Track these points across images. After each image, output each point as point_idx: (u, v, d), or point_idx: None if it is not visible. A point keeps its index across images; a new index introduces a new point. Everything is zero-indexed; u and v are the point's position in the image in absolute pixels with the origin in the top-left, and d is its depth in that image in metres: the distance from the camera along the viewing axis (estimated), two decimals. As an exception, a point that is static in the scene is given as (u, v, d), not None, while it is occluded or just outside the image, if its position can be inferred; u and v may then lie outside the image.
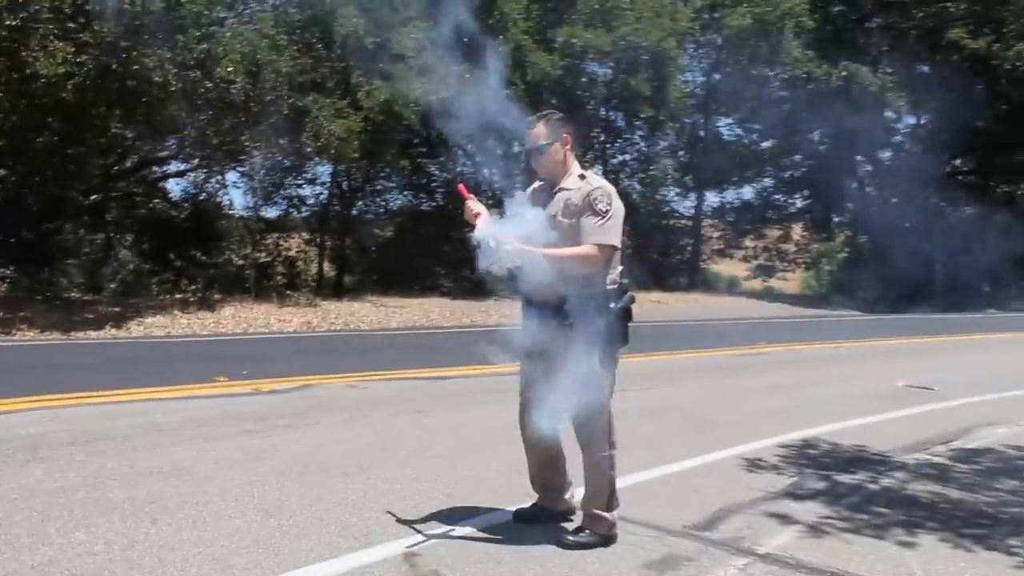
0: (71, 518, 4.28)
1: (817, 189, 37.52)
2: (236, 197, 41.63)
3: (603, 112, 27.66)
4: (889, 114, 35.00)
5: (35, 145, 17.41)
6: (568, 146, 4.25)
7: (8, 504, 4.45)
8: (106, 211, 22.83)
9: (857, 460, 6.21)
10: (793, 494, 5.23)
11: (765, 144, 35.96)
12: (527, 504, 4.57)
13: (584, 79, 25.55)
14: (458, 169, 28.42)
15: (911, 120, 37.16)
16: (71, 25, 14.08)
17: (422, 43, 20.47)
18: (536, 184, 4.47)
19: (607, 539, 4.19)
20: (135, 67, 14.41)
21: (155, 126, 18.12)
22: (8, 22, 13.61)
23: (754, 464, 5.97)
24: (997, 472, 6.07)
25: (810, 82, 30.80)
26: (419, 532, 4.24)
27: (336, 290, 23.91)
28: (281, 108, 17.49)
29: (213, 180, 24.60)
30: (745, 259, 39.94)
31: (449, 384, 9.48)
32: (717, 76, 32.61)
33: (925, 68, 34.52)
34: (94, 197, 21.40)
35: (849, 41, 32.83)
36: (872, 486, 5.51)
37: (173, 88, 14.99)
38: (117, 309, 16.09)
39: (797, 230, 40.33)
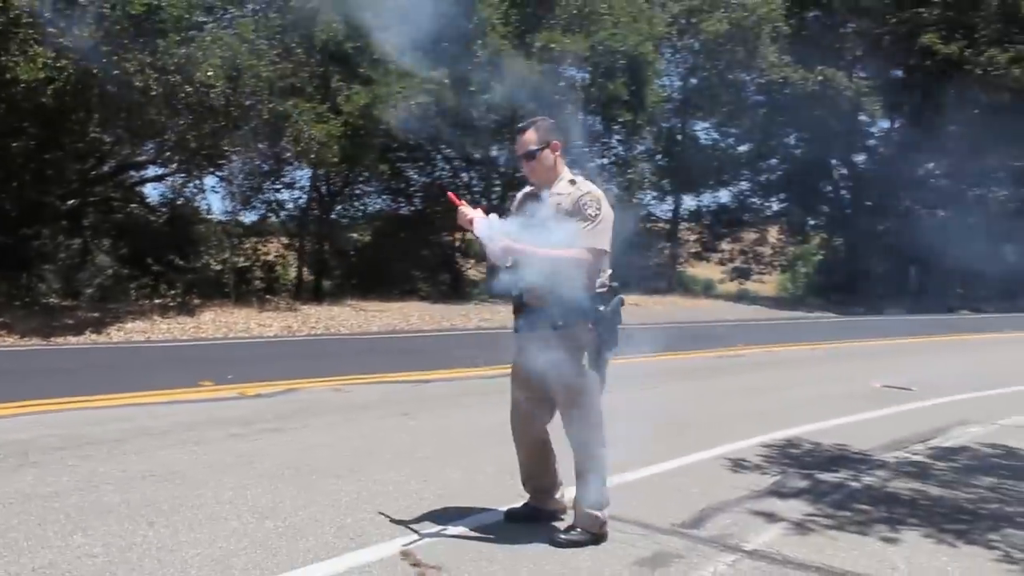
0: (68, 521, 4.32)
1: (793, 192, 37.90)
2: (214, 202, 41.56)
3: (581, 117, 27.75)
4: (863, 118, 35.40)
5: (13, 150, 17.34)
6: (558, 152, 4.34)
7: (4, 508, 4.49)
8: (83, 216, 22.70)
9: (838, 459, 6.33)
10: (777, 492, 5.34)
11: (742, 148, 36.29)
12: (518, 504, 4.65)
13: (562, 83, 25.63)
14: (436, 173, 28.54)
15: (885, 124, 37.61)
16: (51, 30, 14.03)
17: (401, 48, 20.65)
18: (526, 189, 4.56)
19: (598, 537, 4.28)
20: (116, 72, 14.36)
21: (135, 131, 18.06)
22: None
23: (737, 464, 6.08)
24: (974, 469, 6.20)
25: (786, 87, 31.08)
26: (413, 532, 4.31)
27: (315, 294, 23.90)
28: (261, 113, 17.50)
29: (191, 185, 24.51)
30: (721, 262, 40.23)
31: (432, 387, 9.54)
32: (694, 80, 32.85)
33: (899, 73, 34.96)
34: (72, 202, 21.26)
35: (824, 46, 33.16)
36: (854, 484, 5.63)
37: (154, 93, 14.96)
38: (96, 314, 16.03)
39: (773, 233, 40.69)
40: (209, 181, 24.47)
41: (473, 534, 4.35)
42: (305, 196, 25.94)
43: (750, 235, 40.09)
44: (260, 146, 20.26)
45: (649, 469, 5.77)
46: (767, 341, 16.27)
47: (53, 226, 20.85)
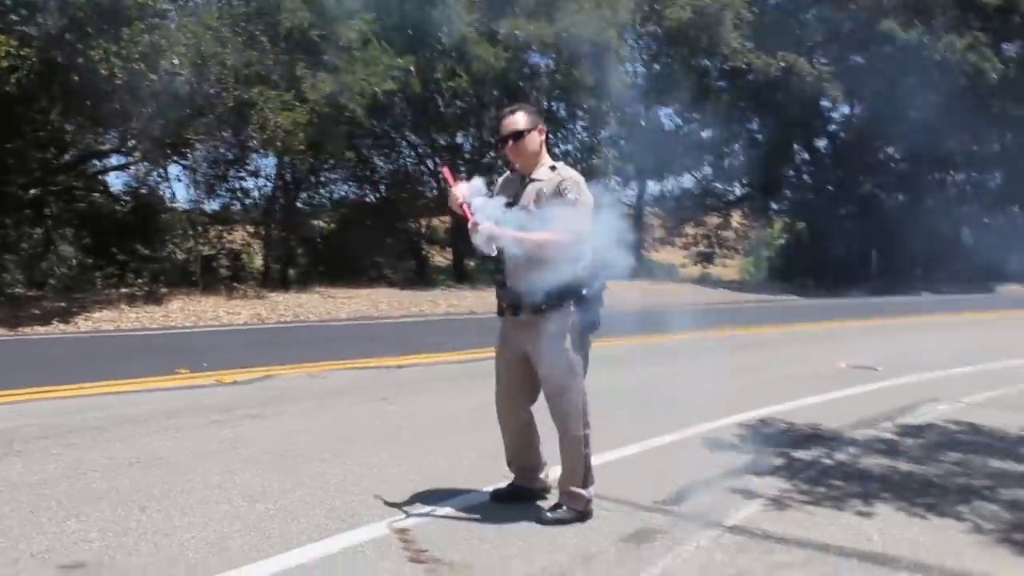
0: (60, 508, 4.37)
1: (755, 177, 38.25)
2: (178, 190, 41.19)
3: (546, 103, 27.82)
4: (825, 103, 35.79)
5: (-27, 139, 17.16)
6: (543, 136, 4.43)
7: (-5, 496, 4.53)
8: (45, 205, 22.45)
9: (811, 437, 6.49)
10: (753, 470, 5.48)
11: (705, 133, 36.54)
12: (503, 484, 4.74)
13: (527, 71, 25.72)
14: (402, 160, 28.52)
15: (846, 109, 38.04)
16: (13, 18, 13.87)
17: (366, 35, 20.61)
18: (507, 174, 4.64)
19: (583, 515, 4.38)
20: (80, 60, 14.22)
21: (99, 120, 17.90)
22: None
23: (713, 443, 6.22)
24: (941, 445, 6.39)
25: (749, 73, 31.33)
26: (403, 513, 4.40)
27: (282, 282, 23.83)
28: (226, 100, 17.41)
29: (155, 173, 24.31)
30: (685, 246, 40.55)
31: (406, 372, 9.61)
32: (657, 67, 33.01)
33: (859, 59, 35.38)
34: (34, 191, 21.01)
35: (786, 32, 33.48)
36: (827, 461, 5.79)
37: (119, 81, 14.82)
38: (63, 304, 15.92)
39: (736, 217, 41.08)
40: (173, 170, 24.31)
41: (461, 514, 4.44)
42: (270, 184, 25.83)
43: (713, 220, 40.44)
44: (224, 134, 20.16)
45: (629, 449, 5.89)
46: (733, 324, 16.48)
47: (15, 215, 20.61)
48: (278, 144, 18.59)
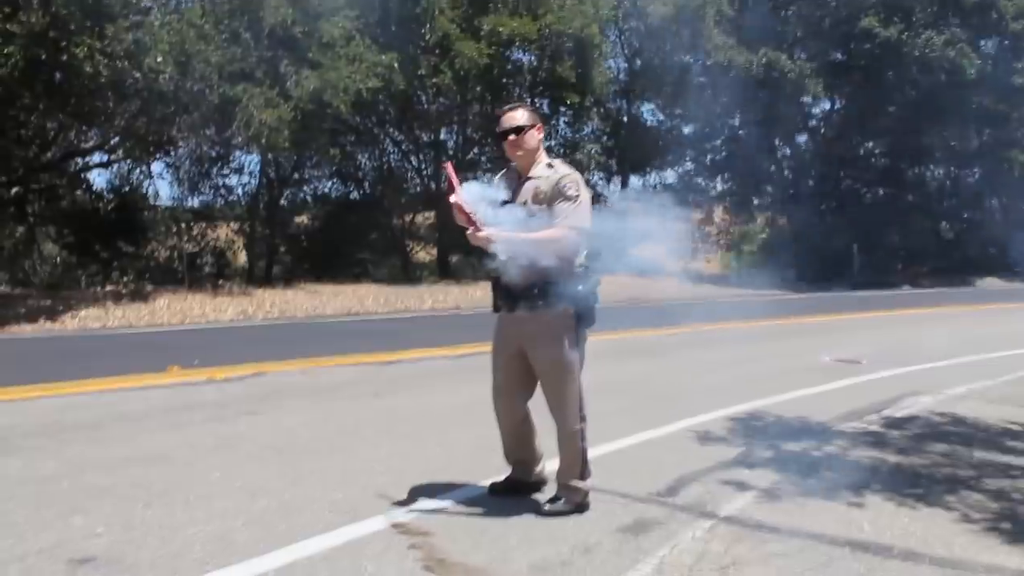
0: (63, 505, 4.41)
1: (737, 173, 38.42)
2: (162, 188, 41.04)
3: (529, 99, 27.90)
4: (806, 99, 35.99)
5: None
6: (541, 134, 4.49)
7: (-2, 493, 4.57)
8: (27, 203, 22.36)
9: (800, 430, 6.60)
10: (745, 462, 5.58)
11: (687, 129, 36.66)
12: (500, 478, 4.82)
13: (510, 67, 25.77)
14: (386, 157, 28.54)
15: (826, 105, 38.26)
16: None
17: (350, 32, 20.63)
18: (503, 172, 4.68)
19: (581, 507, 4.47)
20: (64, 57, 14.20)
21: (83, 117, 17.85)
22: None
23: (704, 436, 6.32)
24: (927, 437, 6.51)
25: (730, 69, 31.46)
26: (405, 506, 4.47)
27: (267, 279, 23.82)
28: (210, 97, 17.40)
29: (138, 171, 24.28)
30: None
31: (396, 368, 9.68)
32: (639, 62, 33.11)
33: (840, 55, 35.61)
34: (16, 189, 20.94)
35: (767, 28, 33.63)
36: (816, 453, 5.90)
37: (103, 79, 14.80)
38: (49, 302, 15.89)
39: (718, 213, 41.22)
40: (156, 167, 24.27)
41: (461, 507, 4.52)
42: (254, 181, 25.81)
43: (695, 215, 40.57)
44: (208, 131, 20.13)
45: (622, 442, 5.98)
46: (717, 318, 16.56)
47: (-1, 214, 20.58)
48: (263, 141, 18.56)
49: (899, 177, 38.12)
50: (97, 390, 7.62)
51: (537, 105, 28.31)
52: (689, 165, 38.88)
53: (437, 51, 22.80)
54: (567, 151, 29.27)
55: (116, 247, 22.76)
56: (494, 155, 28.28)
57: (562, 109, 28.33)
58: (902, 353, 11.42)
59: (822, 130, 38.95)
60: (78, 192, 23.94)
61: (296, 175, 26.49)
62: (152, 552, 3.80)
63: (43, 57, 14.29)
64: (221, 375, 8.57)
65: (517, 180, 4.48)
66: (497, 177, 4.69)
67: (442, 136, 27.78)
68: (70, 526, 4.10)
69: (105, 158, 23.08)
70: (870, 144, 39.29)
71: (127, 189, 24.29)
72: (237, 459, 5.36)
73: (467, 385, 7.97)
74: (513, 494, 4.69)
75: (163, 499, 4.53)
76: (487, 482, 4.84)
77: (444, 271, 26.37)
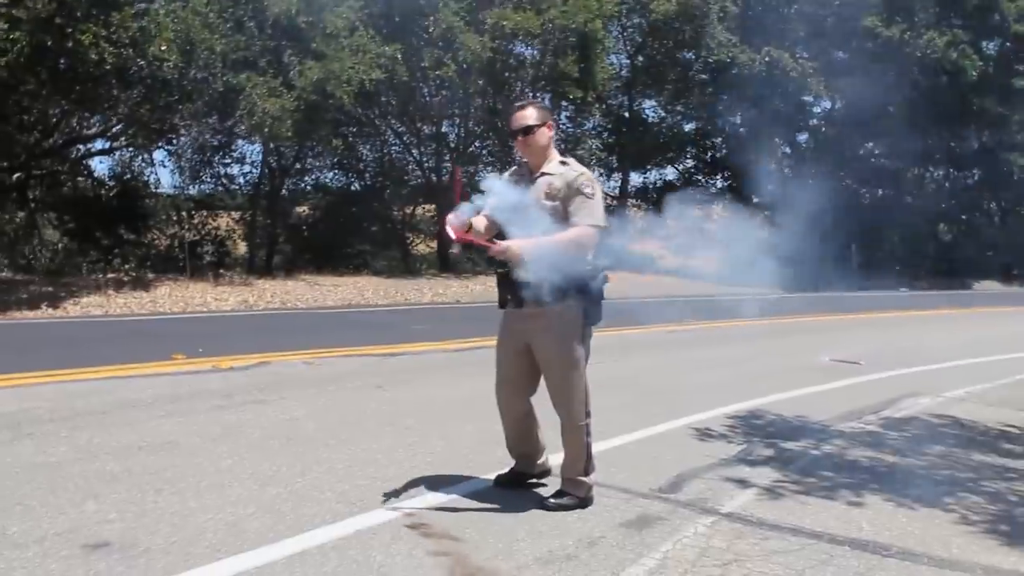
0: (77, 490, 4.48)
1: (737, 170, 38.47)
2: (164, 176, 41.05)
3: (531, 94, 27.93)
4: (807, 98, 36.04)
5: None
6: (552, 132, 4.53)
7: (13, 477, 4.63)
8: (29, 189, 22.41)
9: (799, 429, 6.69)
10: (745, 460, 5.66)
11: (688, 126, 36.77)
12: (504, 470, 4.88)
13: (512, 61, 25.77)
14: (387, 149, 28.56)
15: (827, 104, 38.30)
16: (3, 1, 13.85)
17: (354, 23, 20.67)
18: (514, 168, 4.74)
19: (585, 501, 4.55)
20: (70, 44, 14.22)
21: (87, 104, 17.88)
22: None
23: (704, 433, 6.40)
24: (924, 439, 6.60)
25: (733, 66, 31.52)
26: (411, 498, 4.54)
27: (267, 269, 23.88)
28: (214, 85, 17.44)
29: (140, 158, 24.33)
30: (667, 238, 40.71)
31: (399, 360, 9.73)
32: (641, 59, 33.15)
33: (841, 54, 35.65)
34: (18, 175, 20.98)
35: (770, 27, 33.68)
36: (815, 452, 5.99)
37: (108, 66, 14.84)
38: (50, 289, 15.94)
39: (717, 210, 41.26)
40: (158, 155, 24.30)
41: (468, 498, 4.59)
42: (256, 171, 25.85)
43: (695, 212, 40.63)
44: (210, 120, 20.18)
45: (623, 438, 6.06)
46: (715, 316, 16.65)
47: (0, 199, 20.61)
48: (265, 130, 18.61)
49: (899, 178, 38.20)
50: (103, 377, 7.67)
51: (539, 99, 28.37)
52: (689, 162, 39.00)
53: (440, 43, 22.80)
54: (568, 146, 29.32)
55: (117, 234, 22.82)
56: (495, 148, 28.35)
57: (564, 104, 28.34)
58: (900, 354, 11.52)
59: (822, 129, 39.00)
60: (79, 179, 24.00)
61: (298, 165, 26.51)
62: (165, 538, 3.87)
63: (49, 43, 14.31)
64: (226, 364, 8.62)
65: (528, 176, 4.52)
66: (507, 174, 4.73)
67: (444, 129, 27.79)
68: (84, 511, 4.17)
69: (107, 145, 23.11)
70: (870, 144, 39.35)
71: (129, 176, 24.34)
72: (245, 448, 5.43)
73: (468, 379, 8.05)
74: (517, 486, 4.77)
75: (174, 486, 4.60)
76: (491, 475, 4.91)
77: (444, 264, 26.41)
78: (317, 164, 27.60)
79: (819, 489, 5.06)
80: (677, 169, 38.98)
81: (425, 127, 27.71)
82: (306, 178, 28.08)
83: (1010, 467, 5.89)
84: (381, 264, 27.61)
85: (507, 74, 25.71)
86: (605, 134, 33.65)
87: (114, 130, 21.46)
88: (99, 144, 23.19)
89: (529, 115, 4.46)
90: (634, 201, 38.48)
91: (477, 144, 28.34)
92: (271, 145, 22.79)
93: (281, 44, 19.60)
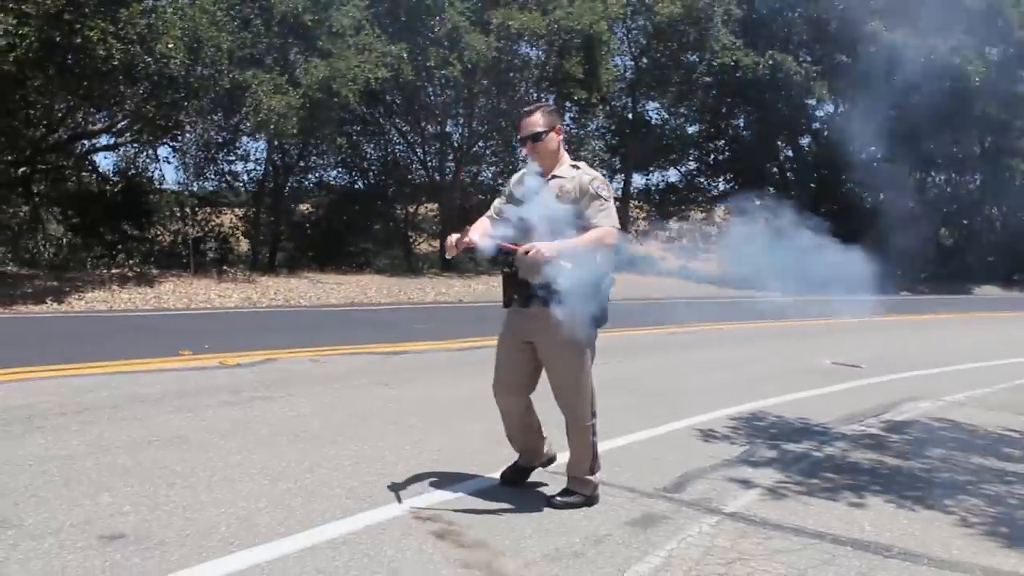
0: (90, 483, 4.54)
1: (740, 173, 38.58)
2: (168, 172, 41.12)
3: (535, 94, 27.98)
4: (810, 102, 36.09)
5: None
6: (561, 136, 4.58)
7: (26, 470, 4.69)
8: (33, 184, 22.47)
9: (801, 431, 6.77)
10: (748, 461, 5.73)
11: (691, 128, 36.82)
12: (510, 465, 4.93)
13: (517, 61, 25.82)
14: (391, 148, 28.61)
15: (830, 108, 38.34)
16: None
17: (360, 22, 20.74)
18: (524, 171, 4.75)
19: (591, 500, 4.62)
20: (78, 40, 14.29)
21: (93, 100, 17.95)
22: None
23: (707, 434, 6.47)
24: (925, 442, 6.67)
25: (737, 69, 31.58)
26: (419, 495, 4.61)
27: (270, 266, 23.93)
28: (222, 82, 17.51)
29: (144, 154, 24.39)
30: (669, 239, 40.79)
31: (403, 359, 9.80)
32: (645, 61, 33.18)
33: (844, 58, 35.68)
34: (23, 170, 21.04)
35: (774, 30, 33.78)
36: (817, 454, 6.06)
37: (115, 62, 14.90)
38: (55, 283, 16.00)
39: (719, 212, 41.33)
40: (162, 152, 24.37)
41: (475, 496, 4.66)
42: (260, 168, 25.88)
43: (697, 214, 40.72)
44: (215, 117, 20.24)
45: (627, 438, 6.13)
46: (717, 319, 16.74)
47: (3, 193, 20.64)
48: (271, 127, 18.66)
49: (900, 182, 38.24)
50: (110, 372, 7.73)
51: (544, 99, 28.43)
52: (692, 164, 39.08)
53: (446, 43, 22.85)
54: (572, 147, 29.39)
55: (121, 230, 22.88)
56: (499, 149, 28.42)
57: (568, 105, 28.39)
58: (901, 358, 11.59)
59: (825, 132, 39.06)
60: (84, 174, 24.05)
61: (302, 163, 26.55)
62: (179, 530, 3.93)
63: (57, 39, 14.37)
64: (232, 360, 8.69)
65: (539, 179, 4.55)
66: (515, 178, 4.76)
67: (448, 128, 27.83)
68: (98, 503, 4.23)
69: (112, 141, 23.18)
70: (872, 148, 39.41)
71: (133, 172, 24.40)
72: (253, 443, 5.49)
73: (471, 378, 8.10)
74: (523, 481, 4.83)
75: (185, 480, 4.66)
76: (497, 474, 4.97)
77: (446, 263, 26.46)
78: (321, 162, 27.62)
79: (821, 490, 5.13)
80: (679, 171, 39.07)
81: (429, 126, 27.75)
82: (309, 176, 28.11)
83: (1009, 470, 5.96)
84: (383, 263, 27.65)
85: (512, 74, 25.77)
86: (608, 135, 33.69)
87: (119, 126, 21.51)
88: (104, 140, 23.25)
89: (536, 121, 4.49)
90: (636, 203, 38.56)
91: (481, 144, 28.39)
92: (275, 143, 22.83)
93: (287, 42, 19.65)
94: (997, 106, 34.88)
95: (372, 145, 28.19)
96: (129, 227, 23.11)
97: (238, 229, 26.03)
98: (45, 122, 20.81)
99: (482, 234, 4.48)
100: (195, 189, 25.28)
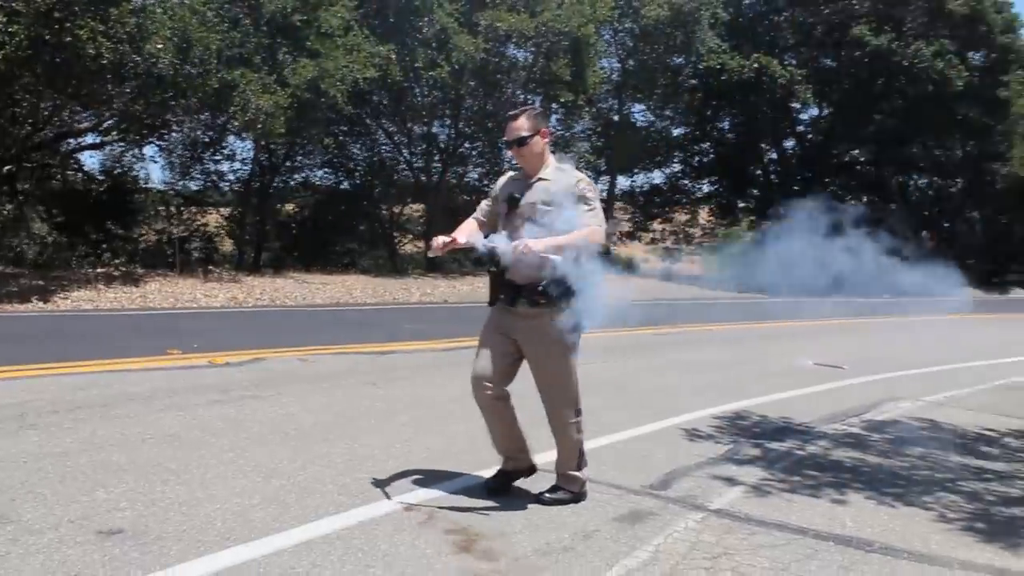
0: (86, 480, 4.60)
1: (724, 175, 38.82)
2: (154, 171, 41.03)
3: (522, 96, 28.05)
4: (794, 105, 36.35)
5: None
6: (547, 139, 4.63)
7: (21, 467, 4.75)
8: (17, 181, 22.42)
9: (784, 430, 6.88)
10: (733, 459, 5.84)
11: (676, 131, 37.03)
12: (494, 471, 4.91)
13: (504, 63, 25.90)
14: (377, 148, 28.65)
15: (814, 111, 38.62)
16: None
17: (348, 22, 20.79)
18: (510, 173, 4.83)
19: (578, 496, 4.71)
20: (68, 39, 14.30)
21: (81, 99, 17.93)
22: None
23: (692, 433, 6.57)
24: (905, 441, 6.79)
25: (723, 72, 31.76)
26: (410, 491, 4.69)
27: (256, 266, 23.95)
28: (210, 82, 17.51)
29: (130, 154, 24.37)
30: (653, 241, 40.99)
31: (391, 359, 9.87)
32: (632, 63, 33.33)
33: (829, 62, 35.99)
34: (8, 168, 20.99)
35: (760, 34, 34.02)
36: (800, 452, 6.17)
37: (104, 61, 14.91)
38: (40, 282, 15.98)
39: (703, 214, 41.59)
40: (148, 151, 24.36)
41: (465, 493, 4.74)
42: (246, 168, 25.89)
43: (681, 216, 40.93)
44: (203, 116, 20.25)
45: (612, 437, 6.22)
46: (701, 320, 16.89)
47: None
48: (259, 127, 18.68)
49: (883, 185, 38.59)
50: (100, 370, 7.76)
51: (530, 101, 28.54)
52: (676, 166, 39.28)
53: (434, 44, 22.94)
54: (557, 149, 29.42)
55: (106, 229, 22.87)
56: (484, 150, 28.51)
57: (554, 107, 28.50)
58: (882, 359, 11.73)
59: (809, 135, 39.36)
60: (69, 172, 24.01)
61: (288, 163, 26.57)
62: (176, 526, 4.00)
63: (47, 37, 14.37)
64: (221, 359, 8.75)
65: (525, 180, 4.62)
66: (502, 180, 4.81)
67: (434, 129, 27.91)
68: (95, 500, 4.30)
69: (98, 139, 23.15)
70: (856, 152, 39.74)
71: (118, 171, 24.37)
72: (245, 441, 5.56)
73: (458, 379, 8.05)
74: (508, 489, 4.80)
75: (180, 477, 4.73)
76: (485, 471, 5.02)
77: (431, 264, 26.53)
78: (307, 162, 27.66)
79: (804, 487, 5.24)
80: (664, 173, 39.26)
81: (416, 127, 27.82)
82: (295, 176, 28.13)
83: (987, 468, 6.08)
84: (368, 263, 27.72)
85: (499, 76, 25.87)
86: (594, 137, 33.83)
87: (106, 125, 21.49)
88: (90, 138, 23.23)
89: (521, 125, 4.53)
90: (620, 204, 38.71)
91: (467, 145, 28.48)
92: (262, 142, 22.84)
93: (276, 41, 19.68)
94: (979, 111, 35.19)
95: (359, 145, 28.23)
96: (114, 226, 23.11)
97: (223, 229, 26.02)
98: (31, 120, 20.74)
99: (469, 235, 4.56)
100: (181, 188, 25.29)
